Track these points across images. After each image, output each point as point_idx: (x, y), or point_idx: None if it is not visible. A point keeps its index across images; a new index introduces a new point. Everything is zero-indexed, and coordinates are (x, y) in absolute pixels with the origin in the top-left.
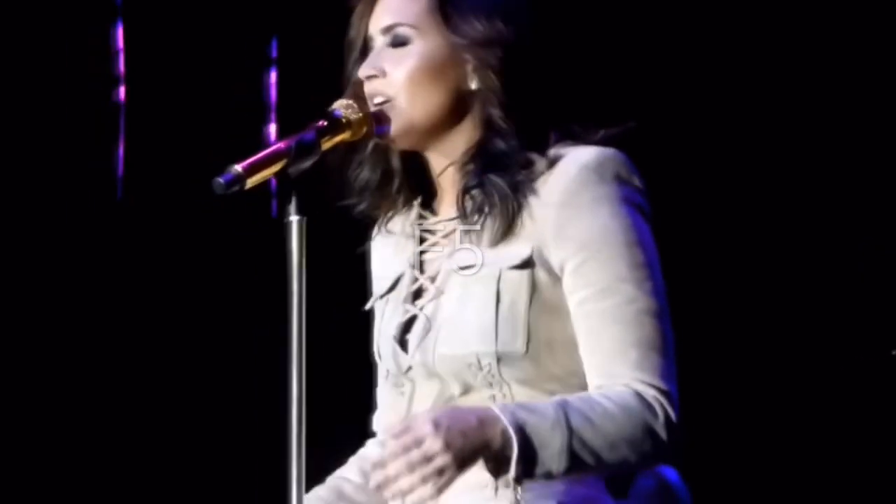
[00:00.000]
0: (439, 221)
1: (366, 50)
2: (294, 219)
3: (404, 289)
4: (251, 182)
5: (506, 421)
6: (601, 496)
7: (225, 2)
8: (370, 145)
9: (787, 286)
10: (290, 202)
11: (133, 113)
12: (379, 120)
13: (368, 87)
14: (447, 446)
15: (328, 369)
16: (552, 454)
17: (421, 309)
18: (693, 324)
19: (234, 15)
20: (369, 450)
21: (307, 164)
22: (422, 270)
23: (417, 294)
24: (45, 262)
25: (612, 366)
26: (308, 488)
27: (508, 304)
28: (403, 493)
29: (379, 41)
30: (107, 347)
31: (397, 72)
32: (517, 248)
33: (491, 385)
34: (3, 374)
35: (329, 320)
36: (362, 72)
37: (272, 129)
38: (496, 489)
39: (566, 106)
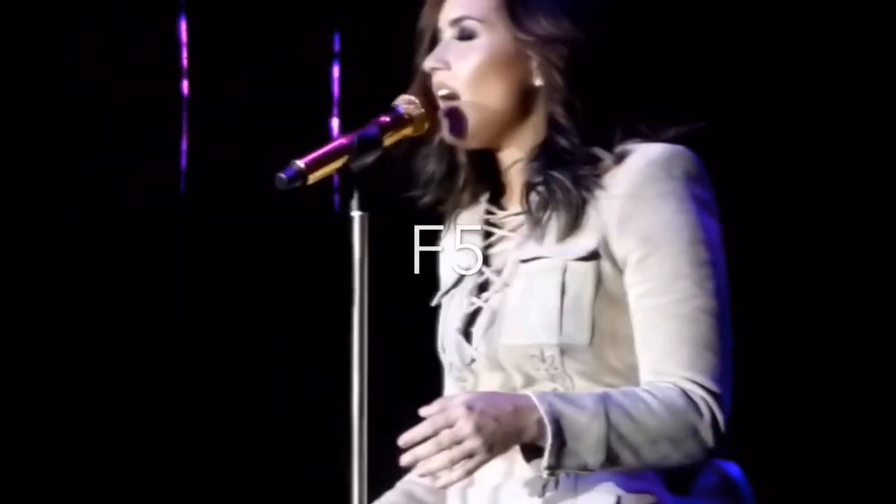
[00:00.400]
0: (507, 216)
1: (434, 41)
2: (357, 214)
3: (470, 282)
4: (313, 177)
5: (542, 410)
6: (660, 492)
7: None
8: (437, 138)
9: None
10: (352, 197)
11: (196, 106)
12: (451, 118)
13: (434, 79)
14: (478, 429)
15: (393, 366)
16: (588, 447)
17: (486, 301)
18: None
19: (297, 9)
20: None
21: (370, 159)
22: (488, 264)
23: (483, 287)
24: (111, 255)
25: (663, 362)
26: (377, 492)
27: (573, 295)
28: (432, 473)
29: (447, 33)
30: (176, 336)
31: (462, 65)
32: (583, 241)
33: (553, 378)
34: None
35: (394, 317)
36: (427, 64)
37: (335, 123)
38: (556, 483)
39: (632, 105)
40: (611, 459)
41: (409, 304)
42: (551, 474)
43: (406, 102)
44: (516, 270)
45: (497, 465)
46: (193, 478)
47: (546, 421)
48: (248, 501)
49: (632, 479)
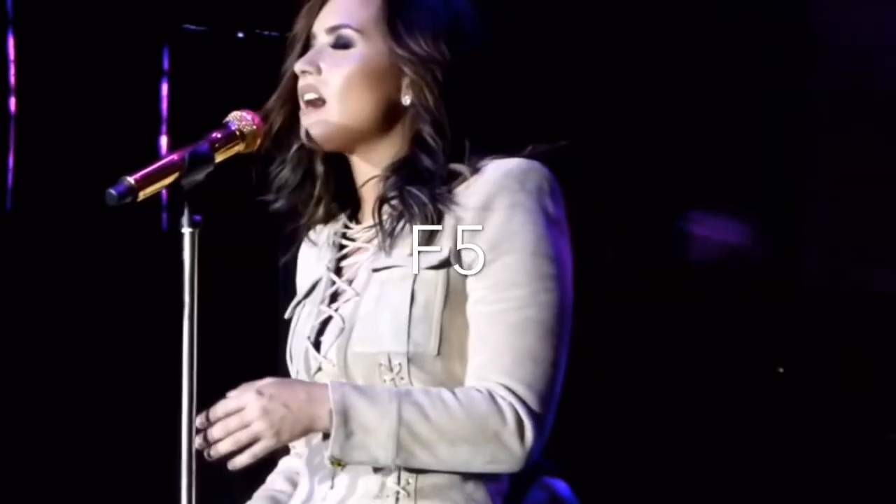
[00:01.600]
0: (361, 229)
1: (307, 47)
2: (187, 231)
3: (321, 292)
4: (144, 194)
5: (332, 399)
6: None
7: (117, 12)
8: (295, 145)
9: None
10: (182, 214)
11: (24, 124)
12: (312, 122)
13: (302, 83)
14: (265, 413)
15: (227, 380)
16: (378, 441)
17: (336, 310)
18: None
19: (126, 25)
20: (290, 461)
21: (200, 175)
22: (340, 275)
23: (334, 297)
24: None
25: (485, 368)
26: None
27: (423, 304)
28: (220, 457)
29: (321, 40)
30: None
31: (334, 73)
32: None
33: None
34: None
35: (228, 333)
36: (298, 66)
37: (164, 141)
38: (396, 499)
39: (497, 130)
40: (404, 456)
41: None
42: (338, 465)
43: (238, 119)
44: (368, 279)
45: (337, 486)
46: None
47: (333, 410)
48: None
49: (469, 499)
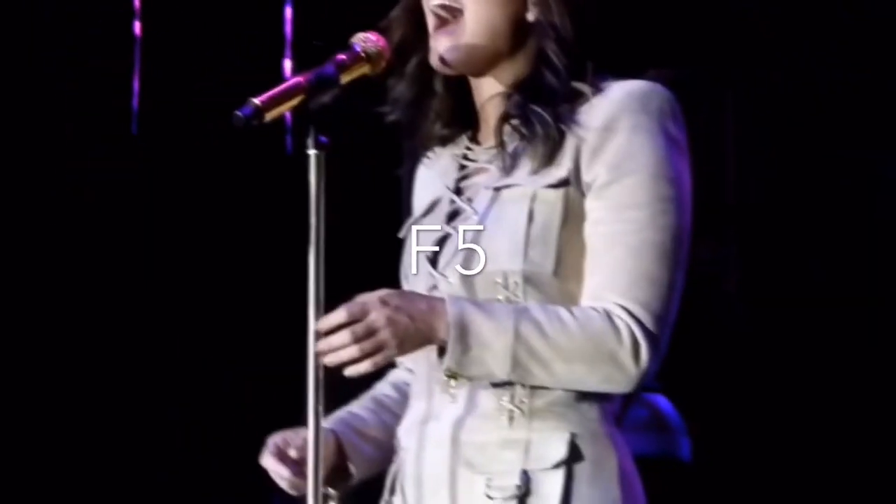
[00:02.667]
0: (482, 150)
1: None
2: (312, 153)
3: (441, 211)
4: (270, 115)
5: (450, 313)
6: (612, 430)
7: None
8: (414, 59)
9: None
10: (308, 136)
11: (149, 47)
12: (444, 35)
13: None
14: (390, 323)
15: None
16: (495, 355)
17: (455, 228)
18: None
19: None
20: (399, 373)
21: (326, 98)
22: (460, 194)
23: (453, 216)
24: (62, 197)
25: (601, 288)
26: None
27: (541, 223)
28: (342, 362)
29: None
30: (130, 281)
31: None
32: (555, 170)
33: None
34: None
35: (354, 252)
36: None
37: (288, 64)
38: (511, 417)
39: (619, 52)
40: (520, 372)
41: (368, 240)
42: (452, 377)
43: (363, 40)
44: (487, 198)
45: (457, 401)
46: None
47: (451, 323)
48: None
49: (586, 419)
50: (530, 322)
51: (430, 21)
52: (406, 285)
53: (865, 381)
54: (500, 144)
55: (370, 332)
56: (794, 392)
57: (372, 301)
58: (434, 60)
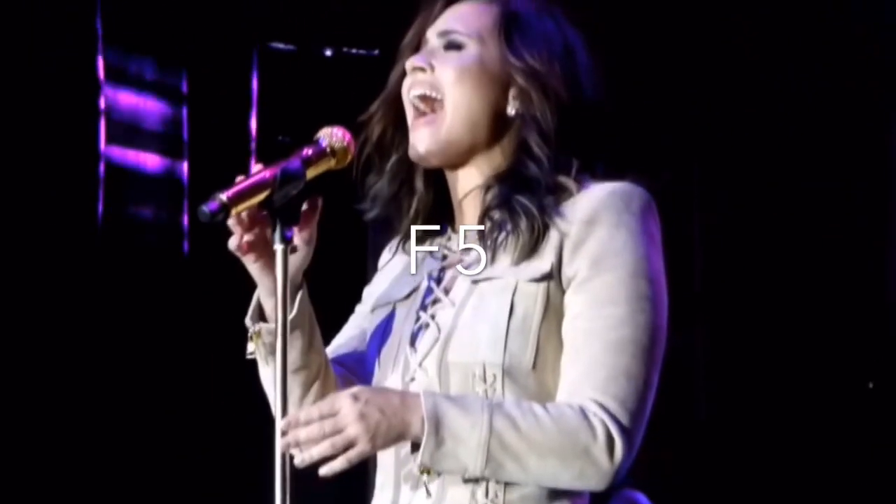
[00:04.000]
0: (463, 239)
1: (417, 50)
2: (279, 247)
3: (418, 299)
4: (236, 210)
5: (424, 407)
6: None
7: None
8: (394, 156)
9: None
10: (274, 230)
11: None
12: (423, 125)
13: (411, 79)
14: (361, 417)
15: None
16: (468, 450)
17: (433, 318)
18: None
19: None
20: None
21: (292, 192)
22: (438, 284)
23: (431, 306)
24: None
25: (578, 383)
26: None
27: (522, 316)
28: (313, 460)
29: (433, 44)
30: None
31: (447, 70)
32: (537, 263)
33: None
34: None
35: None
36: (410, 62)
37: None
38: None
39: (599, 151)
40: (494, 467)
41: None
42: (426, 473)
43: (328, 135)
44: (467, 290)
45: (430, 496)
46: None
47: (425, 417)
48: None
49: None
50: (505, 417)
51: (410, 113)
52: (378, 370)
53: (837, 464)
54: (483, 234)
55: (340, 428)
56: (765, 482)
57: (342, 397)
58: (413, 152)
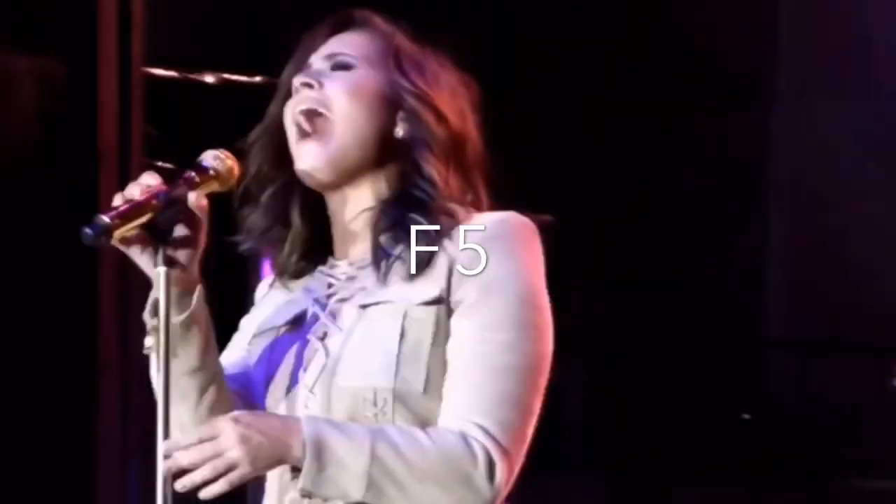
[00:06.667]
0: (344, 264)
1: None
2: (161, 269)
3: (305, 325)
4: (119, 233)
5: (306, 431)
6: None
7: None
8: (269, 189)
9: None
10: (157, 252)
11: None
12: (310, 138)
13: (300, 96)
14: (242, 440)
15: None
16: (349, 475)
17: (322, 342)
18: None
19: None
20: None
21: (175, 214)
22: (324, 310)
23: (317, 332)
24: None
25: (461, 408)
26: None
27: (413, 341)
28: (195, 485)
29: (318, 66)
30: None
31: (335, 85)
32: (427, 288)
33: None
34: None
35: None
36: (297, 79)
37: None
38: None
39: (487, 182)
40: (374, 492)
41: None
42: (307, 496)
43: (213, 157)
44: (356, 315)
45: None
46: None
47: (307, 441)
48: None
49: None
50: (386, 442)
51: (293, 134)
52: (268, 397)
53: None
54: (376, 259)
55: (220, 452)
56: None
57: (223, 420)
58: (300, 169)
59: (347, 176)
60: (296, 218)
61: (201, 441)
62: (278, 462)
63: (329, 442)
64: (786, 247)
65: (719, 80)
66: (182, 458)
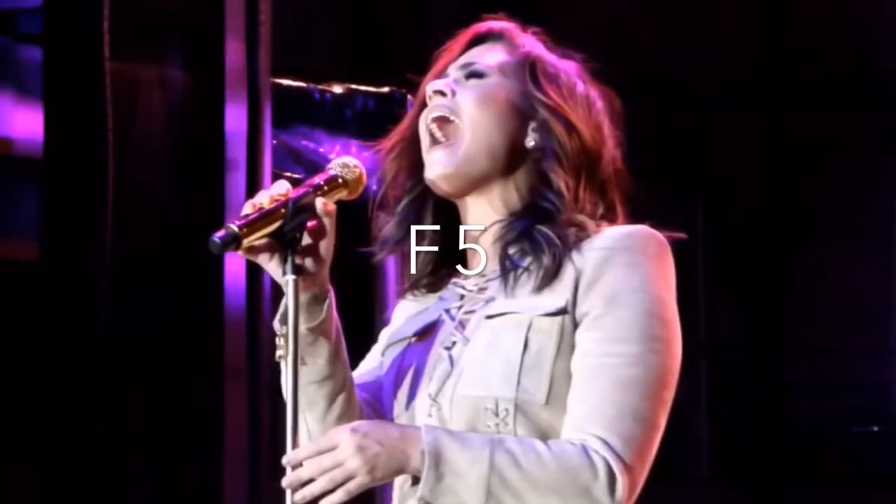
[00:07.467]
0: (474, 276)
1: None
2: (290, 278)
3: (434, 336)
4: (248, 241)
5: (425, 441)
6: None
7: None
8: (405, 199)
9: None
10: (286, 262)
11: None
12: (440, 147)
13: (432, 104)
14: (360, 450)
15: None
16: (467, 485)
17: (448, 353)
18: None
19: None
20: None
21: (304, 222)
22: (452, 320)
23: (446, 342)
24: None
25: (585, 420)
26: None
27: (535, 351)
28: (314, 496)
29: (454, 75)
30: None
31: (466, 93)
32: (552, 299)
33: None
34: None
35: None
36: (431, 86)
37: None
38: None
39: (620, 196)
40: (493, 503)
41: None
42: None
43: (341, 165)
44: (481, 326)
45: None
46: None
47: (426, 451)
48: None
49: None
50: (505, 453)
51: (426, 141)
52: (396, 404)
53: None
54: (503, 267)
55: (339, 462)
56: None
57: (341, 430)
58: (428, 177)
59: (475, 184)
60: (429, 228)
61: (319, 452)
62: (397, 471)
63: (447, 452)
64: None
65: None
66: (301, 472)
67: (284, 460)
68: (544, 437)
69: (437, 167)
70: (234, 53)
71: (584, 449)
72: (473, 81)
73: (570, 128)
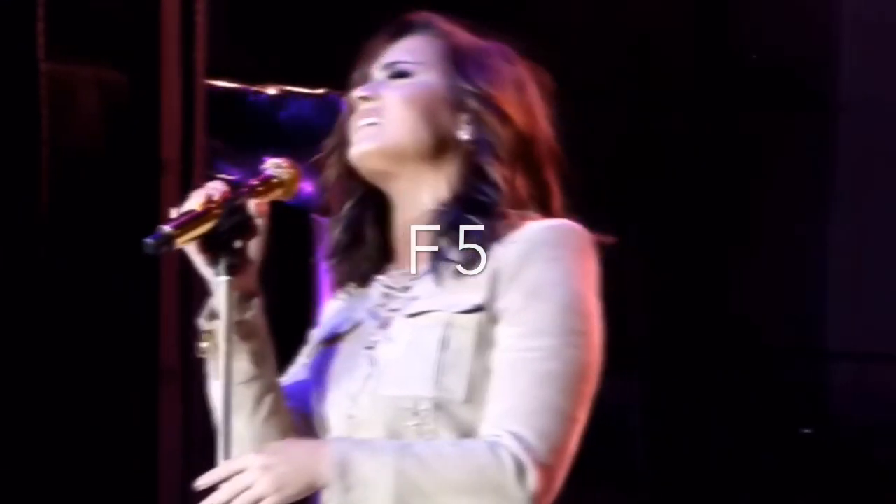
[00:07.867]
0: (400, 273)
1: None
2: (223, 279)
3: (358, 335)
4: (181, 241)
5: (331, 454)
6: None
7: None
8: (347, 204)
9: None
10: (218, 262)
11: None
12: (364, 135)
13: (359, 110)
14: (266, 470)
15: None
16: (377, 493)
17: (369, 350)
18: None
19: None
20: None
21: (237, 222)
22: (376, 318)
23: (369, 342)
24: None
25: (501, 416)
26: None
27: (455, 349)
28: None
29: (378, 77)
30: None
31: (392, 95)
32: (471, 295)
33: (421, 435)
34: None
35: None
36: (354, 93)
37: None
38: None
39: (555, 186)
40: None
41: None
42: None
43: (275, 166)
44: (401, 325)
45: None
46: None
47: (331, 464)
48: None
49: None
50: (412, 457)
51: (354, 127)
52: (319, 406)
53: None
54: (431, 264)
55: (247, 484)
56: None
57: (248, 455)
58: (353, 152)
59: (401, 165)
60: (368, 228)
61: (230, 475)
62: (309, 487)
63: (354, 462)
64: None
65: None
66: (212, 498)
67: (196, 485)
68: (466, 434)
69: (362, 143)
70: (169, 54)
71: (492, 445)
72: (398, 82)
73: (503, 117)
